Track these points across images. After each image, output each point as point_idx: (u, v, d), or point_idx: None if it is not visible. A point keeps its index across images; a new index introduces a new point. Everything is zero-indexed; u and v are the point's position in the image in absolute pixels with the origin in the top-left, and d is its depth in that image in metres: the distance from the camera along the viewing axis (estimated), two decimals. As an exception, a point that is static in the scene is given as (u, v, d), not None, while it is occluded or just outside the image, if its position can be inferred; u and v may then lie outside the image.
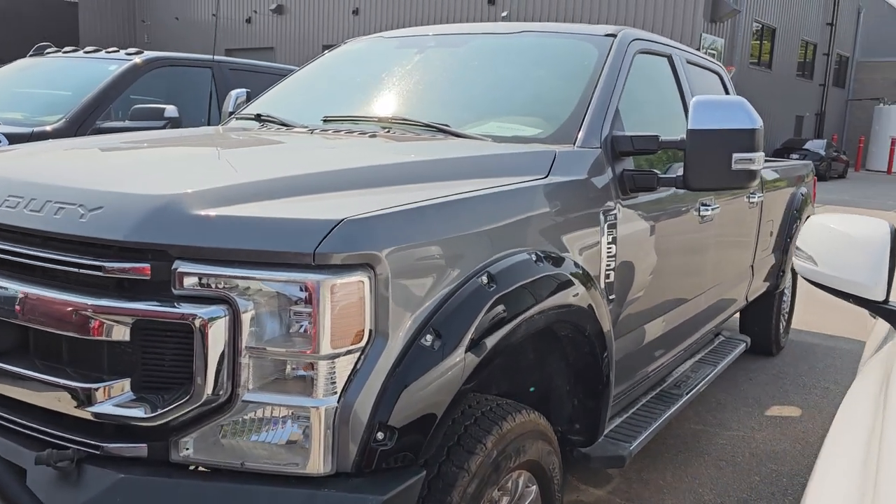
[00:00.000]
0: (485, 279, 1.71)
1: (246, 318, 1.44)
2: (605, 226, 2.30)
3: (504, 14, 22.38)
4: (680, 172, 2.37)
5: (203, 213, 1.52)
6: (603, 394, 2.25)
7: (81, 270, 1.53)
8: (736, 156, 2.23)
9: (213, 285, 1.45)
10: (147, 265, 1.48)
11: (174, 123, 4.50)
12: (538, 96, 2.76)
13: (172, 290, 1.47)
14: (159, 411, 1.46)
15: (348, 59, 3.38)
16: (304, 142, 2.44)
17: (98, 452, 1.51)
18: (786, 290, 5.00)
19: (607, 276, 2.32)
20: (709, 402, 4.07)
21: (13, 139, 4.17)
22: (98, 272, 1.50)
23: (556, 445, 2.08)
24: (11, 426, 1.63)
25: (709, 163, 2.25)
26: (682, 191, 2.69)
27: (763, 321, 4.78)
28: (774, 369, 4.76)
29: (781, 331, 5.03)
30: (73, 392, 1.52)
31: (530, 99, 2.75)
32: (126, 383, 1.50)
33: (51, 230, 1.58)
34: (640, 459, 3.31)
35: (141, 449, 1.50)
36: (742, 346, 4.06)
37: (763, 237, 4.16)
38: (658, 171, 2.49)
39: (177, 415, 1.46)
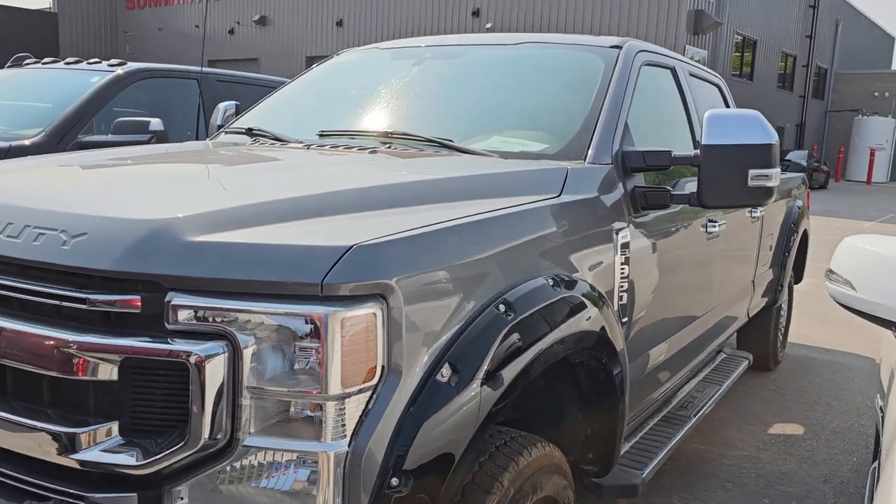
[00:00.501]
0: (503, 307, 1.60)
1: (247, 355, 1.33)
2: (618, 245, 2.20)
3: (488, 26, 22.44)
4: (690, 188, 2.28)
5: (199, 239, 1.40)
6: (617, 421, 2.14)
7: (64, 303, 1.40)
8: (752, 172, 2.15)
9: (211, 319, 1.33)
10: (137, 297, 1.36)
11: (160, 137, 4.35)
12: (543, 110, 2.66)
13: (165, 324, 1.35)
14: (151, 458, 1.34)
15: (342, 71, 3.26)
16: (300, 158, 2.32)
17: (82, 503, 1.38)
18: (783, 305, 4.94)
19: (620, 298, 2.22)
20: (711, 420, 3.97)
21: (-10, 154, 4.01)
22: (83, 305, 1.38)
23: (570, 479, 1.98)
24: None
25: (724, 179, 2.18)
26: (689, 207, 2.61)
27: (761, 337, 4.72)
28: (774, 385, 4.69)
29: (779, 346, 4.98)
30: (55, 437, 1.39)
31: (535, 112, 2.65)
32: (114, 427, 1.38)
33: (30, 258, 1.45)
34: (646, 483, 3.20)
35: (131, 499, 1.37)
36: (745, 364, 3.98)
37: (763, 252, 4.10)
38: (670, 188, 2.41)
39: (170, 461, 1.34)
